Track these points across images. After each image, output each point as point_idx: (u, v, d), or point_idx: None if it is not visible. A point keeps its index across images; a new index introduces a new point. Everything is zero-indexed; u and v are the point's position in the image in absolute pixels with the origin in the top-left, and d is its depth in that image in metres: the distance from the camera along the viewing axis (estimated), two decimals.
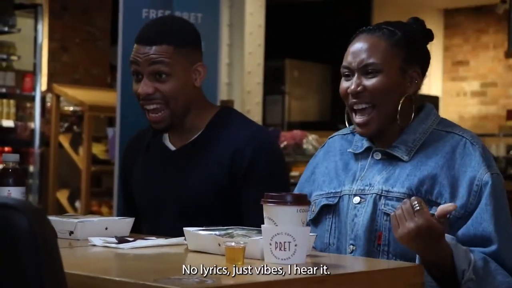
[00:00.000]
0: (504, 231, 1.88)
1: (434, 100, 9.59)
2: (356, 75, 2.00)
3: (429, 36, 2.08)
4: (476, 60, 10.33)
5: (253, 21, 7.79)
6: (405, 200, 1.77)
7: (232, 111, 2.43)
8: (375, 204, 1.95)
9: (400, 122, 2.00)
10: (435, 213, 1.77)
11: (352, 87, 1.99)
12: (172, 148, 2.37)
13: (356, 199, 1.99)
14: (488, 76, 10.23)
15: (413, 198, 1.75)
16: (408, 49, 2.01)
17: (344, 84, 2.03)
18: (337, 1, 9.78)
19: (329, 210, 2.04)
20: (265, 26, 7.79)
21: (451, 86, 10.43)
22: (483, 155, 1.94)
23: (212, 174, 2.27)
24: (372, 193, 1.97)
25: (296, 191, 2.15)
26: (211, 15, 4.25)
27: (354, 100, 2.00)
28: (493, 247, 1.85)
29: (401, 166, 1.98)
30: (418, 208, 1.72)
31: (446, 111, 10.11)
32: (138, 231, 2.29)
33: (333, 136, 2.20)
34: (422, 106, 2.07)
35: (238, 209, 2.28)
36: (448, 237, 1.80)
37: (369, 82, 1.98)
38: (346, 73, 2.02)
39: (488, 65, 10.23)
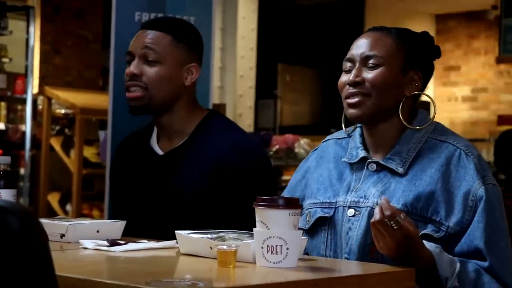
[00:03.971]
0: (495, 247, 1.86)
1: (425, 105, 9.60)
2: (356, 66, 1.96)
3: (437, 52, 2.07)
4: (467, 66, 10.35)
5: (245, 25, 7.79)
6: (380, 206, 1.72)
7: (218, 116, 2.42)
8: (369, 218, 1.88)
9: (403, 123, 1.97)
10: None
11: (351, 77, 1.95)
12: (160, 152, 2.38)
13: (351, 211, 1.95)
14: (479, 81, 10.26)
15: (387, 213, 1.70)
16: (412, 50, 1.99)
17: (343, 77, 1.99)
18: (329, 6, 9.79)
19: (325, 222, 2.00)
20: (257, 30, 7.80)
21: (442, 91, 10.46)
22: (477, 166, 1.91)
23: (196, 180, 2.27)
24: (367, 206, 1.93)
25: (286, 194, 2.13)
26: (204, 18, 4.24)
27: (351, 91, 1.95)
28: (486, 264, 1.84)
29: (397, 180, 1.94)
30: (395, 227, 1.71)
31: (437, 116, 9.87)
32: (128, 233, 2.28)
33: (327, 140, 2.15)
34: (416, 112, 2.04)
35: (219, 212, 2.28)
36: (431, 245, 1.79)
37: (369, 74, 1.95)
38: (348, 67, 1.98)
39: (479, 70, 10.26)
